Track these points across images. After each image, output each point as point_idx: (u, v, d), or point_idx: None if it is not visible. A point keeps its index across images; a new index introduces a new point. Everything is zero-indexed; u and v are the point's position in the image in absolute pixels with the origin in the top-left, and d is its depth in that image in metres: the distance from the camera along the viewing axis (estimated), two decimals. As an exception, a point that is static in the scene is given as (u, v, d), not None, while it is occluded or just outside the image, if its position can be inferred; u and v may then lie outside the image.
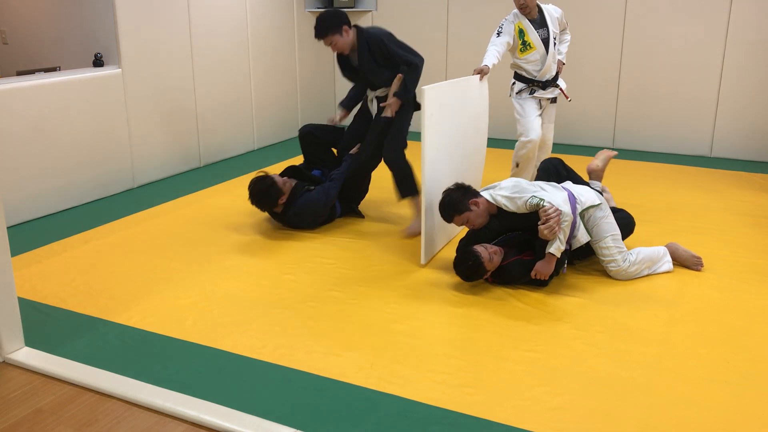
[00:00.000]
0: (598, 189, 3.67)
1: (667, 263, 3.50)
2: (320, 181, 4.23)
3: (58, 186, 4.58)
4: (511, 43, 4.29)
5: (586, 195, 3.41)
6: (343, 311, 3.14)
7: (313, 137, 4.34)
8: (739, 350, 2.77)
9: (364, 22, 7.02)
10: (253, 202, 4.05)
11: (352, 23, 4.00)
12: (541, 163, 3.83)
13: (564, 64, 4.56)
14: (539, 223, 3.15)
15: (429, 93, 3.45)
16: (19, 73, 4.80)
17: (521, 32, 4.28)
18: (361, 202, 4.42)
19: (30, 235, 4.16)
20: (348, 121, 4.38)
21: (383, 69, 4.00)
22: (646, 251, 3.46)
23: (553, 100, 4.54)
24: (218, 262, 3.72)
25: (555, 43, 4.36)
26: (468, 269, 3.25)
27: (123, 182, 5.06)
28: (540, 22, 4.33)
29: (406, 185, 4.08)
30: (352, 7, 7.08)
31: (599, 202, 3.41)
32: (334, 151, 4.42)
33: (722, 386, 2.51)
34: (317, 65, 7.13)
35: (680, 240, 3.74)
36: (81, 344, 2.85)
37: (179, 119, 5.49)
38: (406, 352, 2.76)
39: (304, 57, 6.75)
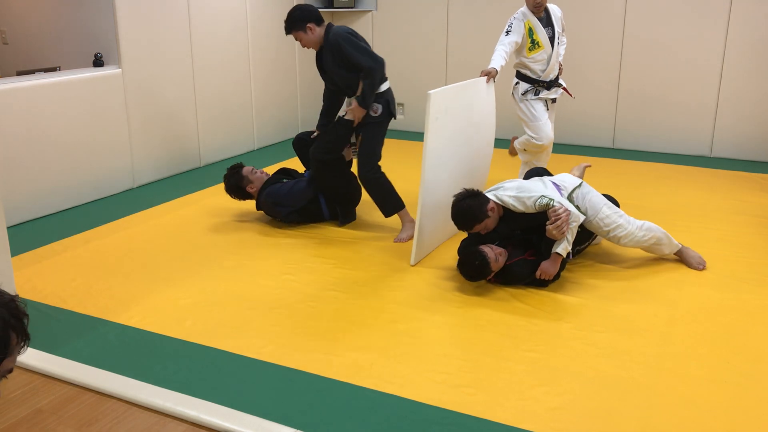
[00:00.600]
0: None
1: (672, 245, 3.60)
2: None
3: (58, 186, 4.58)
4: (520, 42, 4.25)
5: (566, 180, 3.57)
6: (343, 311, 3.14)
7: (304, 143, 4.39)
8: (739, 350, 2.77)
9: (364, 22, 7.02)
10: (225, 190, 4.35)
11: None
12: (526, 173, 3.88)
13: (562, 66, 4.56)
14: (548, 223, 3.18)
15: (435, 97, 3.45)
16: (19, 73, 4.80)
17: (530, 31, 4.26)
18: (361, 203, 4.41)
19: (30, 235, 4.16)
20: None
21: (343, 71, 3.91)
22: (649, 222, 3.57)
23: (553, 101, 4.54)
24: (218, 262, 3.72)
25: (558, 43, 4.36)
26: (474, 269, 3.26)
27: (123, 182, 5.06)
28: (546, 21, 4.31)
29: (389, 202, 4.05)
30: (352, 8, 7.06)
31: (580, 181, 3.57)
32: None
33: (722, 386, 2.51)
34: (317, 65, 7.12)
35: (680, 240, 3.74)
36: (81, 344, 2.85)
37: (179, 119, 5.49)
38: (406, 352, 2.76)
39: (304, 57, 6.75)
